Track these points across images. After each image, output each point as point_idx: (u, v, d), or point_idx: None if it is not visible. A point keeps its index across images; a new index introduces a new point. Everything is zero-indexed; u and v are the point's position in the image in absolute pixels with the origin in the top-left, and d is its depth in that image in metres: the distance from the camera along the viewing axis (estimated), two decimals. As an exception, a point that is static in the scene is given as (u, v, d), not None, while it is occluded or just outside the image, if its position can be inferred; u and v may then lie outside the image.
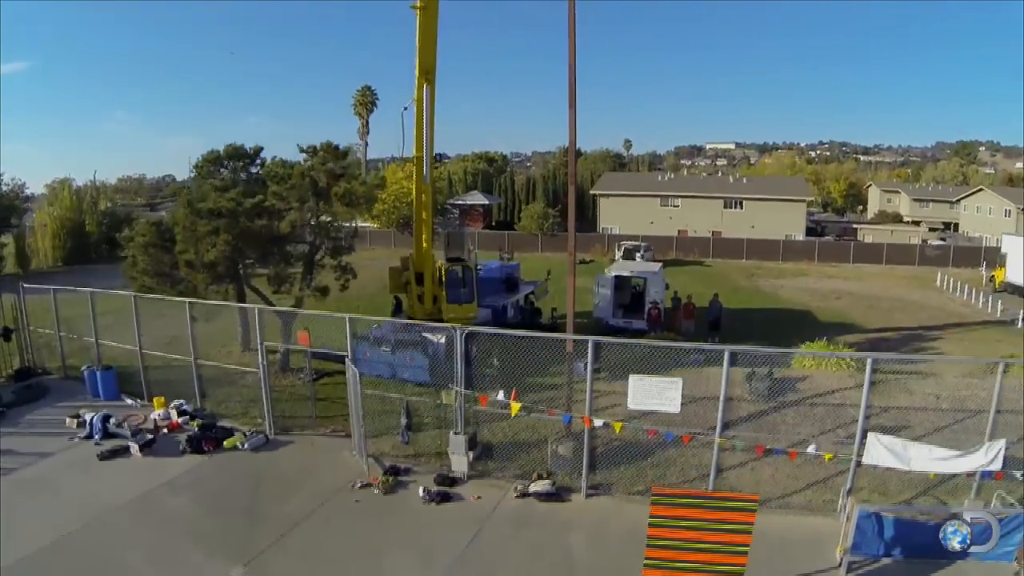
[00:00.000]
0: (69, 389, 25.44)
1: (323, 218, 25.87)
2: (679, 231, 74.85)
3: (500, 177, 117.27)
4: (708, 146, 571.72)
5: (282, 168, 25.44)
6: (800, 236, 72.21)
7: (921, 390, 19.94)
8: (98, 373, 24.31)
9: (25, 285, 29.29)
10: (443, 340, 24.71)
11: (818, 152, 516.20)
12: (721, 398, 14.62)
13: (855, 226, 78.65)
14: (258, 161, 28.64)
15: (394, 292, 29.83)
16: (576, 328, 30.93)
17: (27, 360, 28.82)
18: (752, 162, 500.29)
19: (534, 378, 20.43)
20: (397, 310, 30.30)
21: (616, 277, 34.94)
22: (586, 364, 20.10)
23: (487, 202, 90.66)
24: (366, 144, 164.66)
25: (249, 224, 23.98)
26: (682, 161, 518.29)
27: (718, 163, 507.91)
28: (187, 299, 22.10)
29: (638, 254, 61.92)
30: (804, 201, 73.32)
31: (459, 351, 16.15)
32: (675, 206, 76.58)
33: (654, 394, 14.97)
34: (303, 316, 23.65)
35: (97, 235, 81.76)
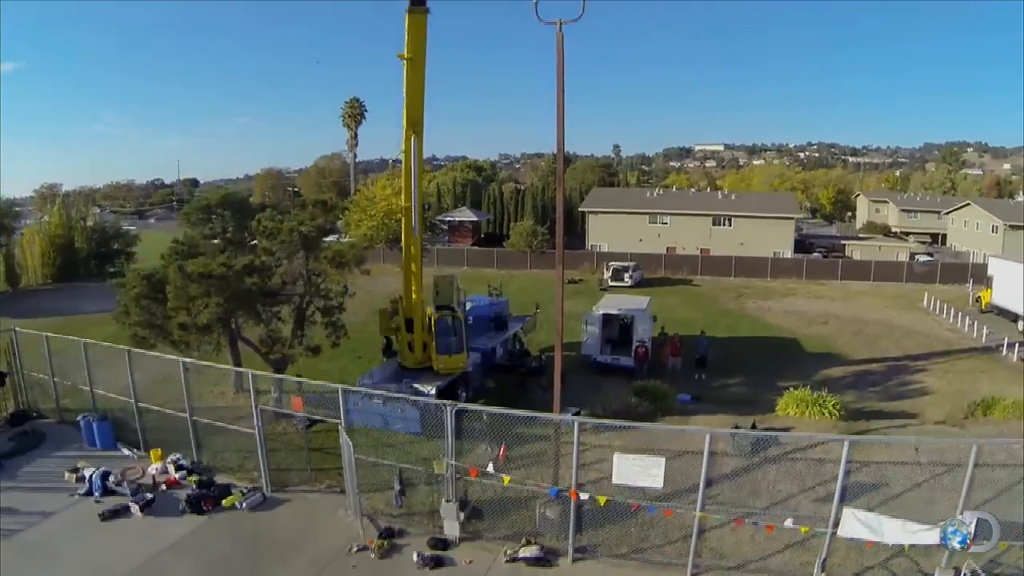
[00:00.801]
0: (65, 436, 25.69)
1: (313, 276, 26.30)
2: (668, 248, 75.43)
3: (489, 188, 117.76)
4: (697, 148, 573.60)
5: (272, 223, 25.82)
6: (788, 253, 72.88)
7: (900, 445, 20.44)
8: (94, 424, 24.61)
9: (18, 329, 29.48)
10: (433, 391, 25.31)
11: (807, 154, 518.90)
12: (702, 478, 15.06)
13: (843, 242, 79.20)
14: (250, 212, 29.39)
15: (384, 334, 30.19)
16: (564, 364, 31.60)
17: (21, 402, 29.07)
18: (741, 163, 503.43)
19: (523, 428, 20.93)
20: (387, 348, 30.60)
21: (604, 315, 35.30)
22: (575, 415, 20.79)
23: (476, 218, 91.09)
24: (355, 156, 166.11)
25: (240, 284, 24.43)
26: (671, 163, 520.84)
27: (707, 165, 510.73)
28: (182, 358, 22.45)
29: (626, 274, 62.53)
30: (792, 219, 73.99)
31: (450, 427, 16.68)
32: (664, 223, 77.16)
33: (638, 472, 15.47)
34: (295, 382, 23.98)
35: (86, 251, 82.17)
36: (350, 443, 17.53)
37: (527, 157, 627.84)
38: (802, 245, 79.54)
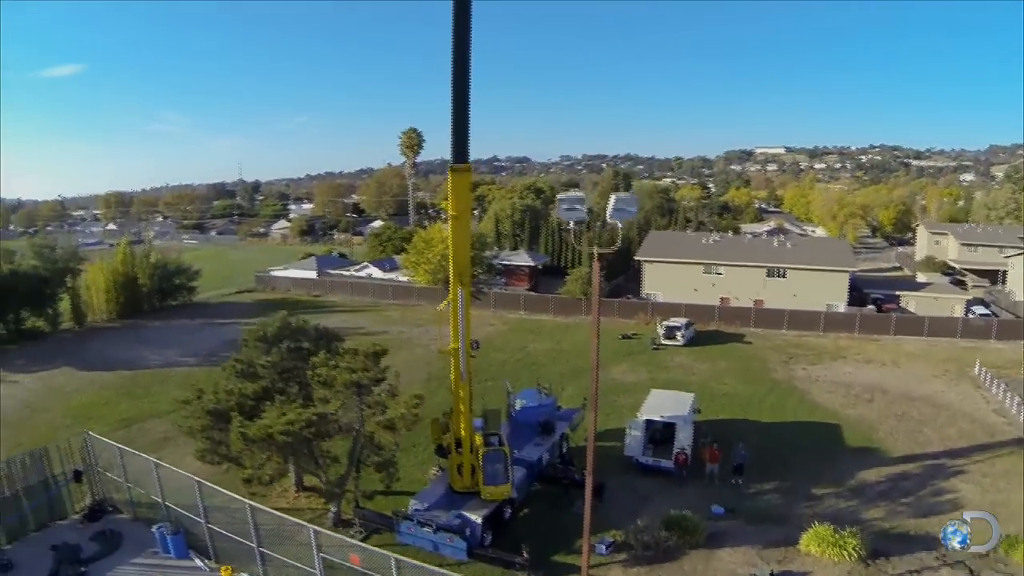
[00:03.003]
0: (140, 537, 28.69)
1: (365, 428, 28.30)
2: (722, 299, 76.32)
3: (548, 220, 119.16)
4: (758, 151, 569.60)
5: (327, 370, 27.88)
6: (842, 306, 73.10)
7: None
8: (169, 537, 27.15)
9: (91, 434, 32.29)
10: (480, 521, 27.23)
11: (869, 157, 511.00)
12: None
13: (898, 292, 78.95)
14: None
15: (435, 443, 32.07)
16: (607, 466, 33.57)
17: (96, 493, 31.87)
18: (802, 167, 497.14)
19: (561, 556, 22.79)
20: (439, 449, 32.29)
21: (647, 421, 36.58)
22: (608, 547, 22.76)
23: (532, 263, 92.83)
24: (413, 184, 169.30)
25: (299, 438, 26.62)
26: (732, 166, 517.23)
27: (768, 168, 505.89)
28: (248, 502, 24.81)
29: (679, 332, 63.62)
30: (847, 271, 74.18)
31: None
32: (718, 274, 78.01)
33: None
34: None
35: (149, 287, 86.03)
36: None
37: (588, 159, 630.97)
38: (856, 290, 79.40)
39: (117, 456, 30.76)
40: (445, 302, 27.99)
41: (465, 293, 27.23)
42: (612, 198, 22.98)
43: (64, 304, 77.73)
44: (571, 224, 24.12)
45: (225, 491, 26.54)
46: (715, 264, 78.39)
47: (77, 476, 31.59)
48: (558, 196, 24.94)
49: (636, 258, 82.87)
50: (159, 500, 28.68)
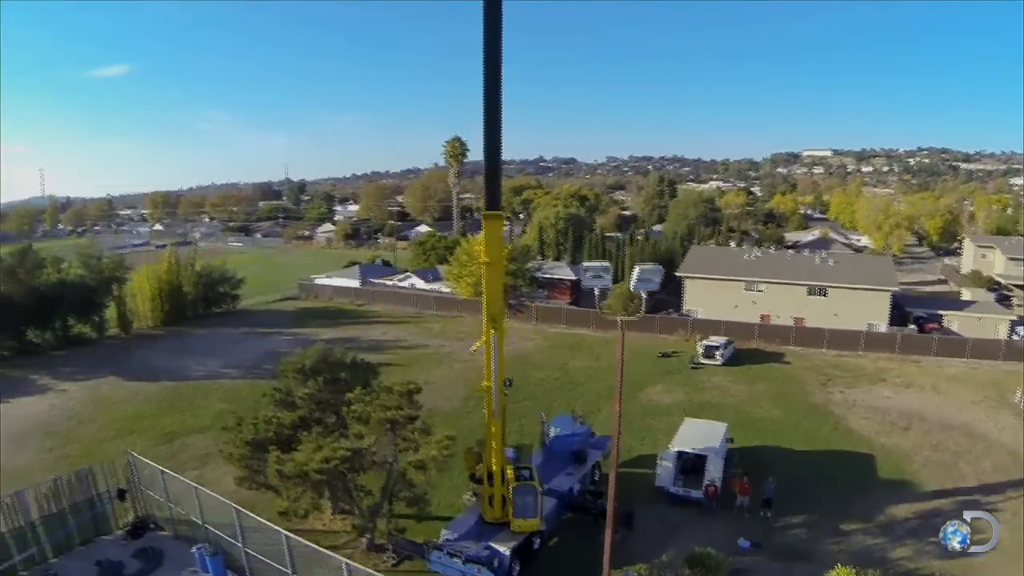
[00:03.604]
0: (180, 556, 30.31)
1: (398, 465, 29.46)
2: (762, 316, 76.48)
3: (592, 233, 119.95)
4: (805, 153, 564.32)
5: (362, 407, 29.04)
6: (884, 326, 72.81)
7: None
8: (208, 558, 28.66)
9: (134, 454, 33.97)
10: (508, 552, 28.18)
11: (917, 160, 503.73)
12: None
13: (941, 312, 78.29)
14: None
15: (469, 471, 33.17)
16: (638, 494, 34.48)
17: (139, 512, 33.77)
18: (849, 170, 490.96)
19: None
20: (472, 477, 33.37)
21: (679, 452, 37.25)
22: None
23: (574, 277, 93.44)
24: (457, 193, 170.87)
25: (335, 473, 27.89)
26: (778, 169, 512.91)
27: (814, 171, 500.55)
28: (285, 532, 26.12)
29: (718, 352, 63.96)
30: (888, 291, 73.85)
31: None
32: (759, 291, 78.06)
33: None
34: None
35: (194, 295, 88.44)
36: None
37: (634, 160, 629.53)
38: (898, 307, 78.84)
39: (159, 476, 32.28)
40: (477, 344, 28.91)
41: (498, 335, 28.11)
42: (636, 269, 23.90)
43: (110, 311, 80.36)
44: (595, 290, 25.03)
45: (261, 519, 27.81)
46: (756, 281, 78.38)
47: (121, 495, 33.34)
48: (583, 265, 25.87)
49: (678, 274, 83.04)
50: (199, 521, 30.15)
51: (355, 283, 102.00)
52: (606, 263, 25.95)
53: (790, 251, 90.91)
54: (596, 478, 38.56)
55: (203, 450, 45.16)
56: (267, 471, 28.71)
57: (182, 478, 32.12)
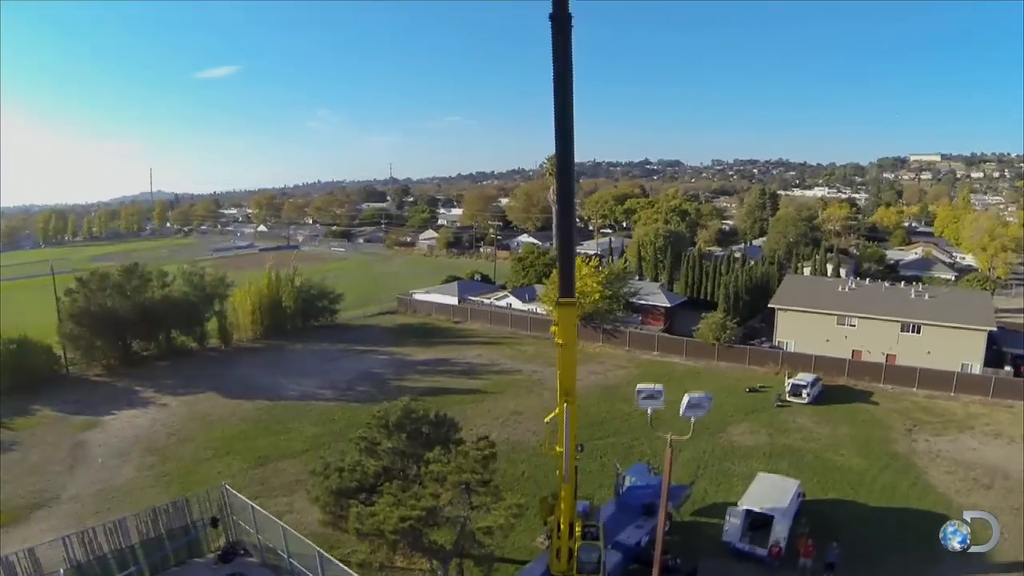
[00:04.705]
0: None
1: (469, 524, 32.11)
2: (853, 352, 76.53)
3: (695, 235, 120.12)
4: (912, 158, 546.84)
5: (439, 467, 31.83)
6: (977, 367, 71.96)
7: None
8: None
9: (228, 487, 37.91)
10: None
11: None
12: None
13: (1040, 351, 76.74)
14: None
15: (543, 519, 35.89)
16: (705, 547, 36.68)
17: (230, 538, 37.73)
18: (958, 176, 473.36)
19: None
20: (545, 522, 36.03)
21: (747, 511, 38.95)
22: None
23: (668, 304, 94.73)
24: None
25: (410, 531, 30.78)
26: (884, 174, 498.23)
27: (922, 177, 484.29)
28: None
29: (805, 390, 64.72)
30: (984, 330, 72.91)
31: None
32: (852, 326, 78.12)
33: None
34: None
35: (293, 310, 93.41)
36: None
37: (739, 164, 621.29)
38: (995, 343, 77.49)
39: (249, 509, 36.05)
40: (551, 415, 31.08)
41: (572, 411, 30.13)
42: (686, 398, 26.15)
43: (211, 324, 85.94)
44: (649, 411, 27.41)
45: (342, 565, 30.88)
46: (849, 316, 78.50)
47: (214, 522, 37.63)
48: (637, 388, 28.36)
49: (771, 306, 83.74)
50: (284, 555, 33.68)
51: (453, 300, 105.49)
52: (659, 387, 28.18)
53: (886, 284, 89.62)
54: (667, 529, 40.45)
55: (294, 476, 49.07)
56: (348, 521, 31.75)
57: (271, 516, 35.77)
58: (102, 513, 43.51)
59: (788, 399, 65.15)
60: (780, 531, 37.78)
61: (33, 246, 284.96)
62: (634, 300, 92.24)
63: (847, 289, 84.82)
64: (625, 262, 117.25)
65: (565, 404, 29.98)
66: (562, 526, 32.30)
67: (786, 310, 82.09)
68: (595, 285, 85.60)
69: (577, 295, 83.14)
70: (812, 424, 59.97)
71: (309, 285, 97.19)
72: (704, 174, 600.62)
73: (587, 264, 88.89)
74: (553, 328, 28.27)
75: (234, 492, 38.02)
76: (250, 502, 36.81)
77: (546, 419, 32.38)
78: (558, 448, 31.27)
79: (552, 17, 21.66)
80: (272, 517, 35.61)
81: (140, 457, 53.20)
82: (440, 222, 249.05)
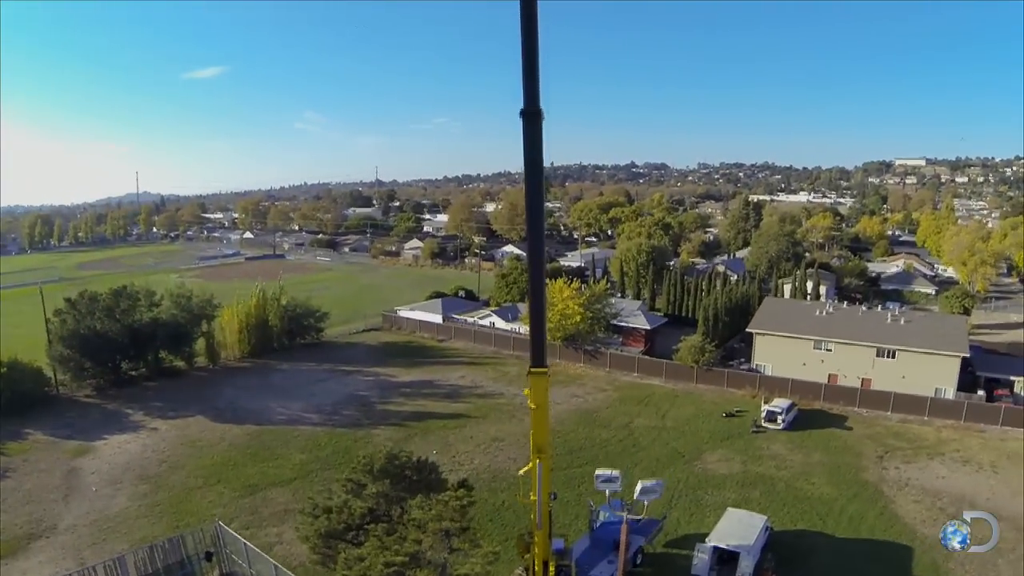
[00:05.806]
0: None
1: (448, 569, 33.55)
2: (829, 376, 78.18)
3: (678, 247, 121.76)
4: (897, 162, 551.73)
5: (421, 513, 33.37)
6: (951, 392, 73.58)
7: None
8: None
9: (221, 525, 39.67)
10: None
11: (1015, 168, 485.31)
12: None
13: (1013, 378, 78.49)
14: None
15: (519, 555, 37.67)
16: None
17: (223, 570, 39.70)
18: (942, 181, 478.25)
19: None
20: (522, 556, 37.67)
21: (714, 547, 40.64)
22: None
23: (648, 326, 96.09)
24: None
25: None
26: (870, 179, 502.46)
27: (907, 182, 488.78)
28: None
29: (780, 416, 66.35)
30: (958, 356, 74.51)
31: None
32: (828, 350, 79.77)
33: None
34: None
35: (279, 328, 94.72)
36: None
37: (725, 167, 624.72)
38: (970, 366, 79.03)
39: (242, 546, 37.63)
40: (524, 469, 32.45)
41: (544, 467, 31.34)
42: (639, 485, 27.97)
43: (199, 343, 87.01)
44: (607, 492, 29.26)
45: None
46: (825, 340, 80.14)
47: (208, 556, 39.58)
48: (596, 473, 30.34)
49: (748, 330, 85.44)
50: None
51: (437, 318, 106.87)
52: (615, 472, 30.09)
53: (863, 307, 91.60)
54: (638, 562, 42.10)
55: (282, 506, 50.57)
56: (337, 565, 33.29)
57: (262, 553, 37.32)
58: (98, 544, 45.03)
59: (764, 425, 66.78)
60: (746, 567, 39.52)
61: (19, 251, 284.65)
62: (615, 322, 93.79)
63: (825, 313, 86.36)
64: (608, 282, 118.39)
65: (538, 460, 31.42)
66: (536, 566, 33.84)
67: (764, 334, 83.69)
68: (576, 308, 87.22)
69: (559, 318, 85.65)
70: (786, 451, 61.59)
71: (295, 304, 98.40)
72: (690, 177, 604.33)
73: (569, 286, 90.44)
74: (526, 391, 29.42)
75: (228, 530, 39.66)
76: (242, 538, 38.38)
77: (520, 472, 33.70)
78: (532, 497, 32.82)
79: (523, 113, 22.69)
80: (264, 555, 37.24)
81: (132, 485, 54.38)
82: (426, 229, 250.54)
